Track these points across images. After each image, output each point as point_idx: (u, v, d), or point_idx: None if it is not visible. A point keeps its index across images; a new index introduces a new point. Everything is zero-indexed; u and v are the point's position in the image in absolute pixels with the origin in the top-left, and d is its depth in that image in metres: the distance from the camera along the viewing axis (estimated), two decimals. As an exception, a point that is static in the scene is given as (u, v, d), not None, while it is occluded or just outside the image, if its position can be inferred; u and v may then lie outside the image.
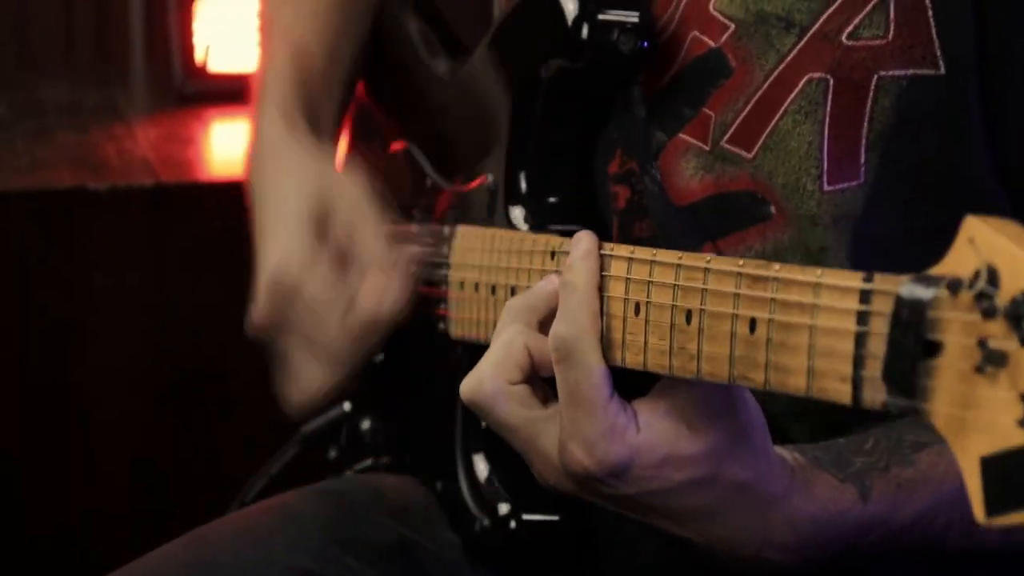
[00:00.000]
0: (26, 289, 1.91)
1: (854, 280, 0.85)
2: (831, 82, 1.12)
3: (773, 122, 1.13)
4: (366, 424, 1.43)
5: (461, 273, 1.23)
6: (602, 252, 1.00)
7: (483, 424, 1.21)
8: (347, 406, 1.45)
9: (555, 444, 1.01)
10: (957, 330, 0.79)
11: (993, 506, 0.78)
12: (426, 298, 1.28)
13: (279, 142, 1.31)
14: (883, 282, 0.83)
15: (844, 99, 1.11)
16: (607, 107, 1.21)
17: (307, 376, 1.25)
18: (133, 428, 1.96)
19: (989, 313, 0.77)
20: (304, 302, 1.23)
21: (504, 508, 1.21)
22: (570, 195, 1.22)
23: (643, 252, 0.98)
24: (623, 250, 0.99)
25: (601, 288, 1.00)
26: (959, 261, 0.79)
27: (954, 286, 0.79)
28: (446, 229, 1.25)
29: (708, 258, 0.95)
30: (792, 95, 1.13)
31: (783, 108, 1.13)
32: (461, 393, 1.05)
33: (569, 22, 1.16)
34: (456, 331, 1.23)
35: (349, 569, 1.22)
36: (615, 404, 0.99)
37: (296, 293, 1.23)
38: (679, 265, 0.95)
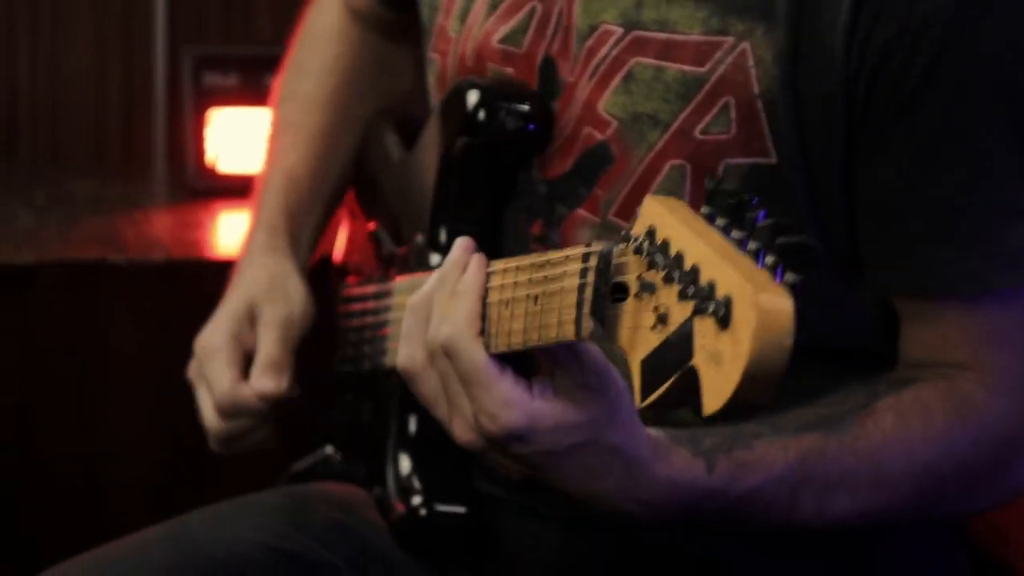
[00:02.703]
0: (49, 349, 2.04)
1: (580, 249, 1.03)
2: (688, 168, 1.26)
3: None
4: (337, 457, 1.56)
5: (398, 313, 1.39)
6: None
7: (411, 431, 1.39)
8: (329, 449, 1.57)
9: (464, 413, 1.11)
10: (631, 271, 0.97)
11: (644, 394, 0.95)
12: (378, 339, 1.44)
13: (256, 250, 1.53)
14: (596, 245, 1.01)
15: (699, 181, 1.25)
16: (512, 181, 1.35)
17: (206, 427, 1.49)
18: (143, 487, 2.06)
19: (639, 252, 0.96)
20: (204, 377, 1.47)
21: (417, 499, 1.35)
22: (480, 247, 1.35)
23: (497, 264, 1.12)
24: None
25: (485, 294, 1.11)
26: (639, 225, 0.97)
27: (626, 238, 0.98)
28: (390, 284, 1.44)
29: (523, 258, 1.10)
30: (659, 178, 1.27)
31: (653, 187, 1.27)
32: (398, 365, 1.15)
33: (470, 108, 1.34)
34: (390, 361, 1.38)
35: (304, 546, 1.35)
36: (508, 382, 1.09)
37: (201, 371, 1.48)
38: (508, 269, 1.10)
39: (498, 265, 1.12)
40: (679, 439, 1.17)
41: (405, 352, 1.15)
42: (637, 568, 1.37)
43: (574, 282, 1.03)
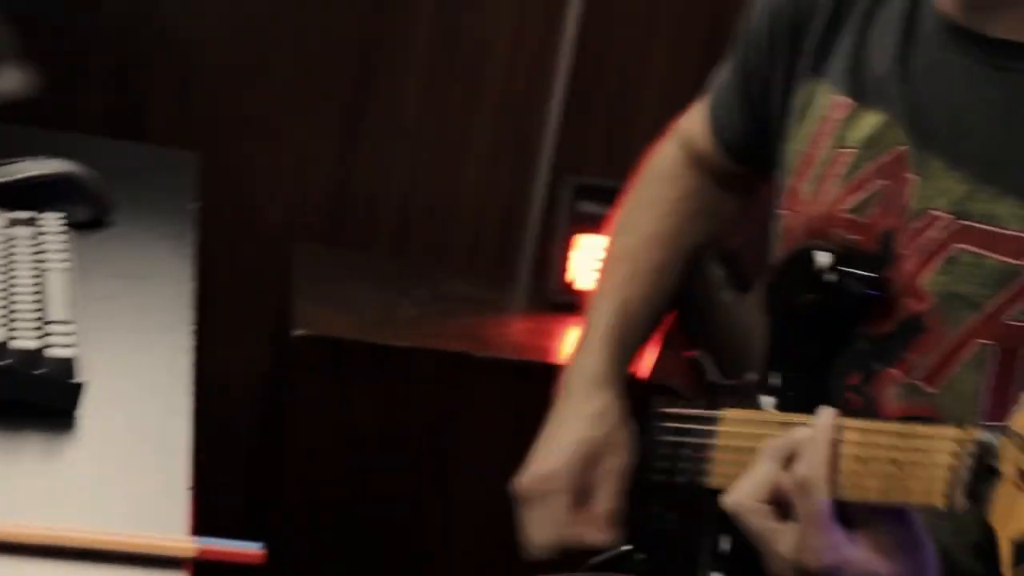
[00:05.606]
0: (414, 422, 2.19)
1: (952, 431, 1.13)
2: (997, 348, 1.32)
3: (952, 370, 1.35)
4: (638, 556, 1.61)
5: (726, 440, 1.44)
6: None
7: (719, 549, 1.45)
8: (625, 548, 1.61)
9: (788, 548, 1.23)
10: (1007, 458, 1.07)
11: (1015, 571, 1.05)
12: (700, 460, 1.49)
13: (594, 375, 1.59)
14: (970, 430, 1.11)
15: (1004, 362, 1.32)
16: (841, 339, 1.42)
17: (530, 540, 1.56)
18: (477, 550, 2.20)
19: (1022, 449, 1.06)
20: (540, 506, 1.55)
21: None
22: (807, 394, 1.40)
23: (850, 422, 1.24)
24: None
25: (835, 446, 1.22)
26: (1018, 420, 1.08)
27: (1006, 432, 1.08)
28: (717, 411, 1.47)
29: (881, 424, 1.22)
30: (967, 354, 1.34)
31: (960, 360, 1.35)
32: (726, 501, 1.28)
33: (821, 268, 1.40)
34: (714, 482, 1.43)
35: None
36: (836, 527, 1.22)
37: (541, 496, 1.55)
38: (867, 430, 1.22)
39: (853, 423, 1.23)
40: None
41: (739, 491, 1.26)
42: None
43: (944, 459, 1.14)
